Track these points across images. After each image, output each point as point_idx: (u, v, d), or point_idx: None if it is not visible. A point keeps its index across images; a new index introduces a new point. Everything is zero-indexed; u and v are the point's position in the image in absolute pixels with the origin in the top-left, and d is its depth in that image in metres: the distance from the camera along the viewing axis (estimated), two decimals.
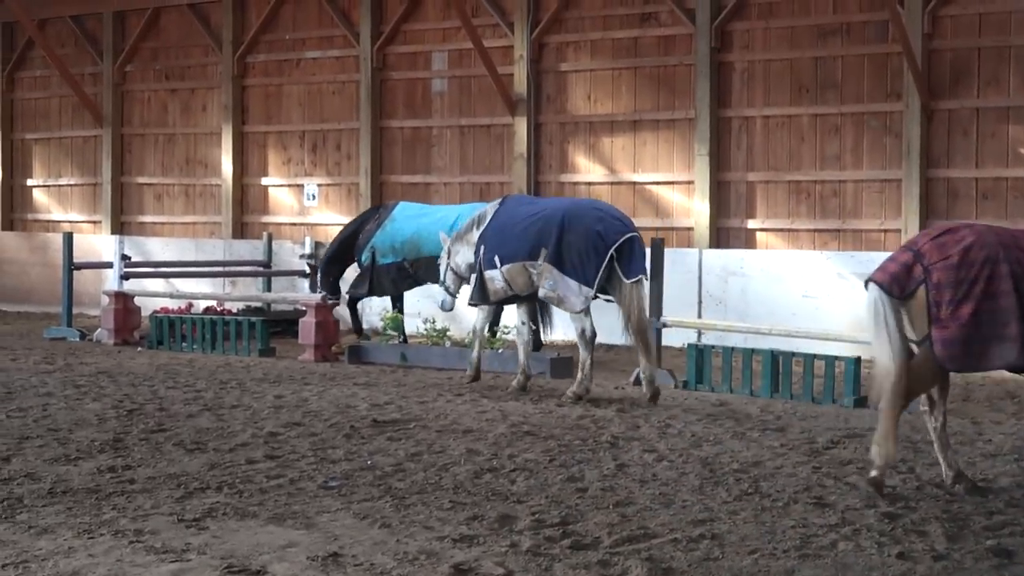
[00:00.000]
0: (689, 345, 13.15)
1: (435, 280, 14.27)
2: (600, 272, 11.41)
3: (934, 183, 16.77)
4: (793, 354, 12.34)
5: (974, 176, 16.55)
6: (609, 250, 11.40)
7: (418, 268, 15.30)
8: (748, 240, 17.88)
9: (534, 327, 12.80)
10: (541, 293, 11.76)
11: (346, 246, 16.20)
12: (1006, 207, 16.41)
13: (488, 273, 12.00)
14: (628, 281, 11.45)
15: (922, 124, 16.64)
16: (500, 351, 13.68)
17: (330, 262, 16.39)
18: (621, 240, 11.47)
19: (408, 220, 15.65)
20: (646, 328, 11.71)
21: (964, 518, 6.96)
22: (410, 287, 15.76)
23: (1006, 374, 14.27)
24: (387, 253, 15.56)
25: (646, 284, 11.83)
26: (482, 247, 12.12)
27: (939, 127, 16.76)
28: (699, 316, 16.44)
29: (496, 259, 11.90)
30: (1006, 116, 16.37)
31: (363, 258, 15.81)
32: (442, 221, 15.04)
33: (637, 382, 12.30)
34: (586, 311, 11.62)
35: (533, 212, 11.97)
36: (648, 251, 12.51)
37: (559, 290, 11.58)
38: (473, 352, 12.58)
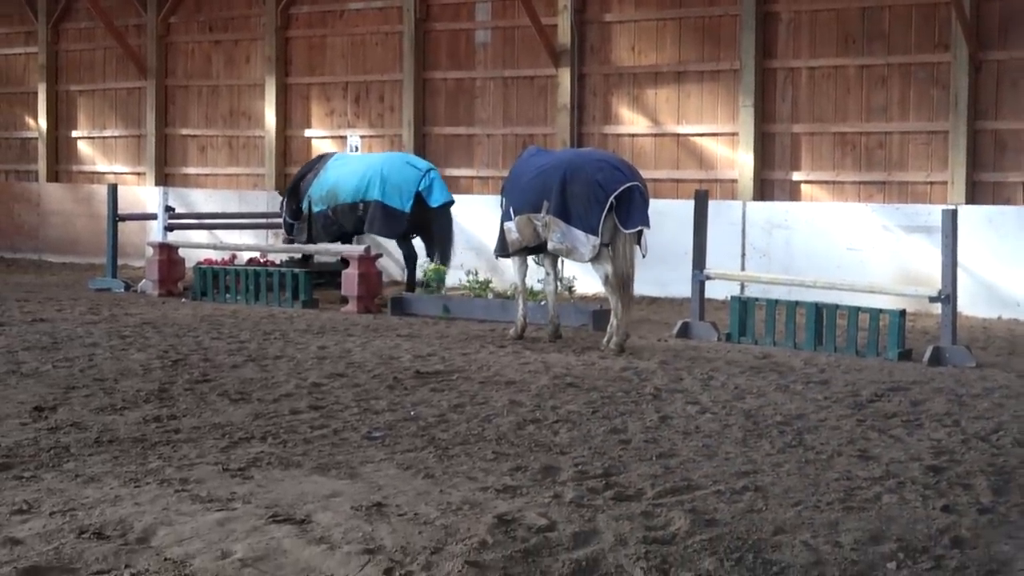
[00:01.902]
0: (733, 298, 13.08)
1: (357, 229, 16.07)
2: (602, 221, 11.43)
3: (981, 135, 16.58)
4: (837, 307, 12.26)
5: (1022, 127, 16.35)
6: (608, 198, 11.42)
7: (339, 216, 16.21)
8: (792, 192, 17.77)
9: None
10: (550, 246, 11.88)
11: (291, 195, 17.00)
12: None
13: (506, 225, 12.22)
14: (625, 231, 11.47)
15: (970, 75, 16.43)
16: (543, 303, 13.67)
17: (287, 210, 17.06)
18: (620, 189, 11.49)
19: (334, 170, 16.51)
20: (630, 282, 11.67)
21: (1009, 471, 6.91)
22: (339, 234, 16.37)
23: None
24: (318, 202, 16.41)
25: (645, 236, 11.78)
26: (503, 199, 12.33)
27: (987, 78, 16.55)
28: (743, 268, 16.35)
29: (511, 211, 12.10)
30: None
31: (303, 206, 16.57)
32: (356, 172, 16.09)
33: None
34: (605, 258, 11.59)
35: (540, 164, 12.10)
36: (691, 203, 12.47)
37: (567, 241, 11.66)
38: (518, 308, 12.62)
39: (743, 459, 7.13)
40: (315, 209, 16.41)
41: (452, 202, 16.03)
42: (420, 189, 15.77)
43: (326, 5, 21.68)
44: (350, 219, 16.14)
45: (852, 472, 6.82)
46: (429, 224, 15.86)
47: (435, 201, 15.79)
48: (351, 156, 17.76)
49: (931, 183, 16.90)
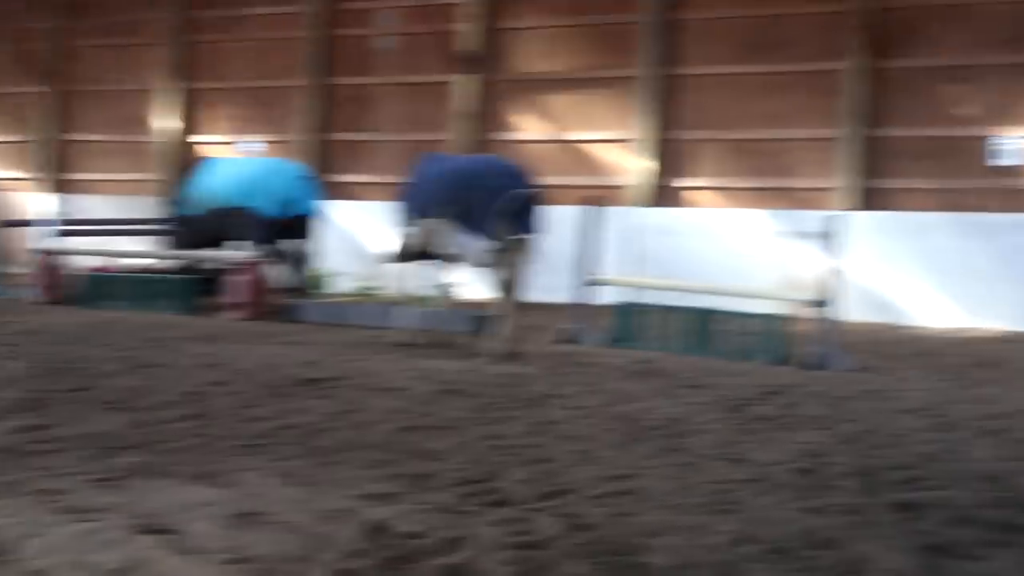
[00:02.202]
0: (618, 303, 13.21)
1: (229, 234, 16.03)
2: (497, 226, 11.52)
3: (874, 142, 16.92)
4: (722, 312, 12.43)
5: (914, 134, 16.71)
6: (503, 205, 11.51)
7: (212, 221, 16.29)
8: (688, 198, 17.99)
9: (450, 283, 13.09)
10: (444, 251, 11.94)
11: (173, 201, 17.17)
12: (944, 166, 16.59)
13: (403, 230, 12.30)
14: (517, 237, 11.58)
15: (865, 83, 16.75)
16: (431, 309, 13.68)
17: (168, 214, 17.17)
18: (515, 195, 11.58)
19: (211, 175, 16.59)
20: (519, 287, 11.79)
21: (878, 473, 7.06)
22: (212, 239, 16.42)
23: (928, 331, 14.46)
24: (195, 207, 16.50)
25: (537, 241, 11.90)
26: (402, 205, 12.40)
27: (882, 86, 16.88)
28: (634, 274, 16.52)
29: (410, 217, 12.21)
30: (946, 76, 16.52)
31: (182, 211, 16.66)
32: (231, 177, 16.22)
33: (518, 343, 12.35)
34: (497, 263, 11.67)
35: (439, 171, 12.17)
36: (585, 209, 12.59)
37: (460, 247, 11.74)
38: (407, 314, 12.65)
39: (619, 463, 7.20)
40: (192, 213, 16.35)
41: (319, 210, 16.07)
42: (292, 196, 15.75)
43: (229, 10, 21.51)
44: (222, 224, 16.05)
45: (725, 475, 6.92)
46: (297, 230, 15.86)
47: (302, 209, 15.79)
48: (230, 160, 17.68)
49: (823, 189, 17.20)
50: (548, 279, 15.69)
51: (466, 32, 19.00)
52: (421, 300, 13.71)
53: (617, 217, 16.67)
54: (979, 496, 6.48)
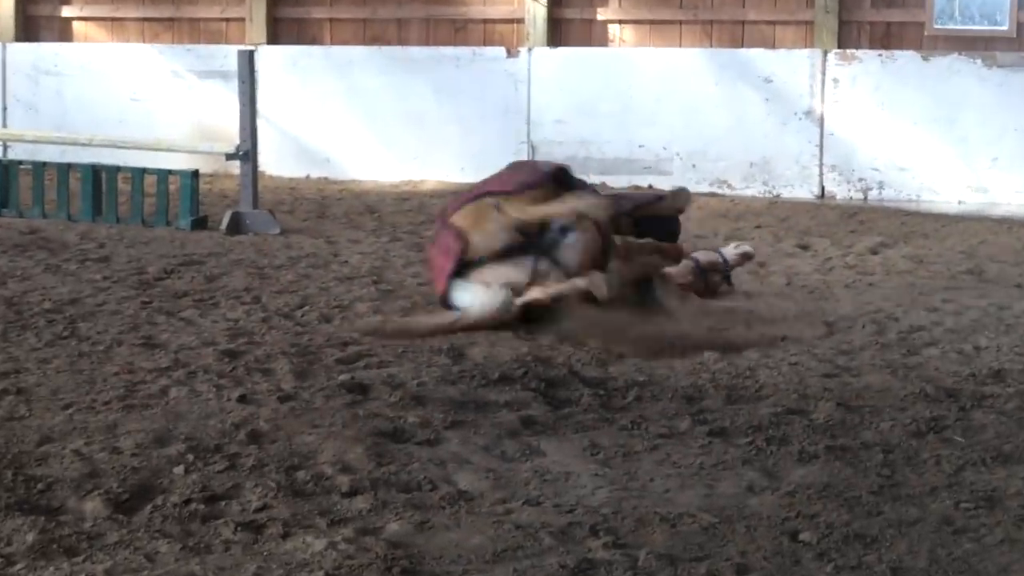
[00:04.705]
0: None
1: None
2: None
3: None
4: (119, 169, 12.23)
5: None
6: None
7: None
8: (63, 31, 17.31)
9: None
10: None
11: None
12: None
13: None
14: None
15: None
16: None
17: None
18: None
19: None
20: None
21: (315, 351, 7.23)
22: None
23: (368, 186, 14.96)
24: None
25: None
26: None
27: None
28: (3, 125, 15.85)
29: None
30: None
31: None
32: None
33: None
34: None
35: None
36: None
37: None
38: None
39: (3, 357, 6.94)
40: None
41: None
42: None
43: None
44: None
45: (135, 364, 6.85)
46: None
47: None
48: None
49: (227, 20, 17.08)
50: None
51: None
52: None
53: None
54: (429, 373, 6.78)
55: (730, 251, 9.34)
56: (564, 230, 8.07)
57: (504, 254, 8.01)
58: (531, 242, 8.03)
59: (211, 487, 5.01)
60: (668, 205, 8.97)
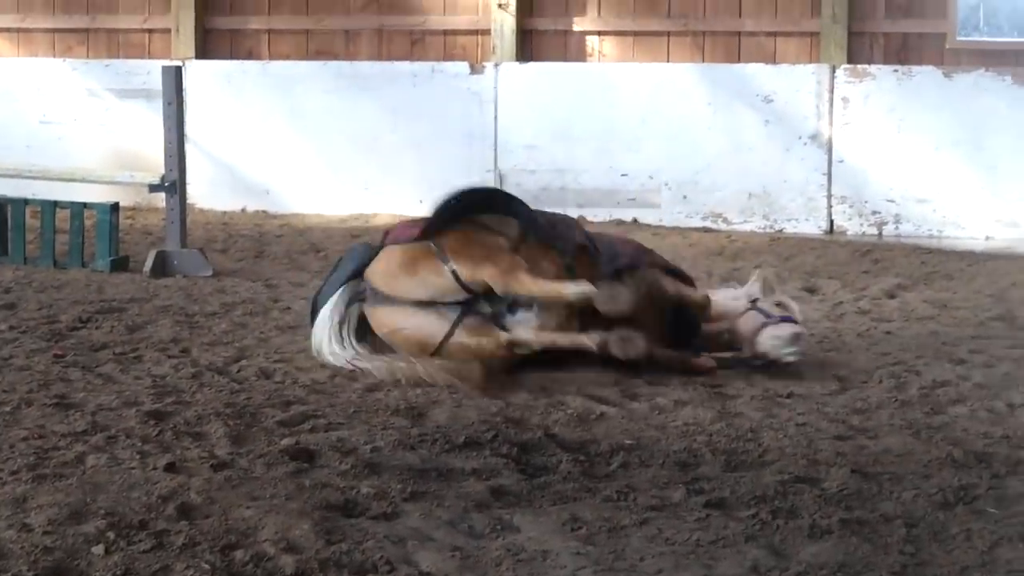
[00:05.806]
0: None
1: None
2: None
3: None
4: (27, 201, 12.22)
5: None
6: None
7: None
8: None
9: None
10: None
11: None
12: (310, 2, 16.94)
13: None
14: None
15: None
16: None
17: None
18: None
19: None
20: None
21: (254, 412, 7.21)
22: None
23: (312, 220, 14.96)
24: None
25: None
26: None
27: None
28: None
29: None
30: None
31: None
32: None
33: None
34: None
35: None
36: None
37: None
38: None
39: None
40: None
41: None
42: None
43: None
44: None
45: (47, 427, 6.82)
46: None
47: None
48: None
49: (151, 31, 17.09)
50: None
51: None
52: None
53: None
54: (384, 436, 6.76)
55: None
56: (513, 307, 8.12)
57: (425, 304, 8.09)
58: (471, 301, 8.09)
59: (135, 569, 4.98)
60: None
